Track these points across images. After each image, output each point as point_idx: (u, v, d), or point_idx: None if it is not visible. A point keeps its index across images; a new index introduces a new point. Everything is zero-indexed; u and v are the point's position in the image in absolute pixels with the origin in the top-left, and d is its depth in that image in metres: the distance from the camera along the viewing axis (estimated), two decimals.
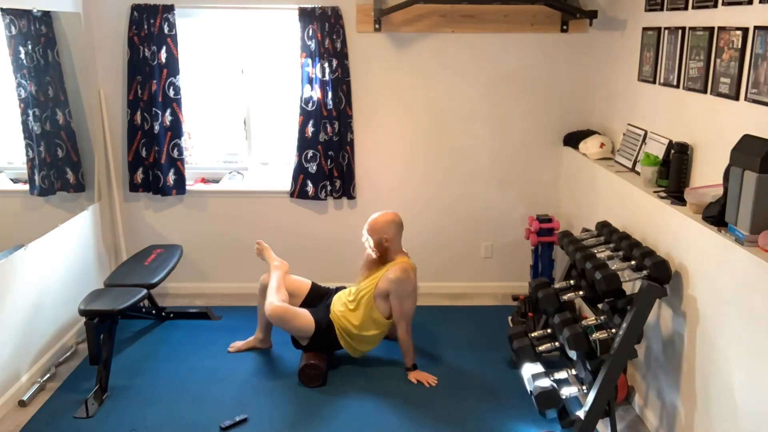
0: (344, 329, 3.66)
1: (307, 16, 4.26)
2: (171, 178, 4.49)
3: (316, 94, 4.36)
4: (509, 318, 4.33)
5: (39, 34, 3.88)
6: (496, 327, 4.23)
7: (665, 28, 3.43)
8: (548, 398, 3.05)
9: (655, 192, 3.19)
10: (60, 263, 3.91)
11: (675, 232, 2.90)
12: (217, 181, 4.74)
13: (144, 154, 4.48)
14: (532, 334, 3.34)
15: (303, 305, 3.79)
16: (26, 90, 3.85)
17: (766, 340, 2.22)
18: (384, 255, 3.69)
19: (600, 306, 3.17)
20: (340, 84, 4.37)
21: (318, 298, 3.86)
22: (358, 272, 3.83)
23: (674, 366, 2.92)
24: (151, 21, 4.25)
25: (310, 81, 4.34)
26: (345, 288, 3.89)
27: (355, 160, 4.55)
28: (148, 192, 4.58)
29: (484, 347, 3.99)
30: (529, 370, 3.21)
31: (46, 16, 3.92)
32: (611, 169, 3.77)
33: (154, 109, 4.36)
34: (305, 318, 3.61)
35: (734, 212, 2.44)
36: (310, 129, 4.42)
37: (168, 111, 4.40)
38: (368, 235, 3.70)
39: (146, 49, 4.30)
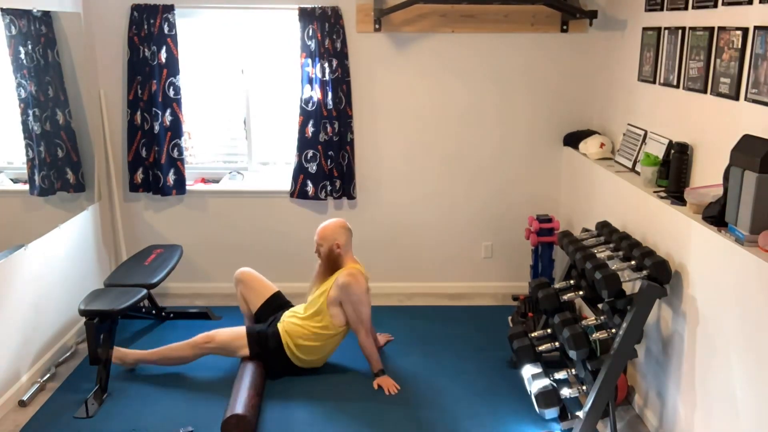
0: (290, 337, 3.58)
1: (307, 16, 4.26)
2: (171, 178, 4.49)
3: (316, 94, 4.36)
4: (509, 318, 4.33)
5: (39, 34, 3.88)
6: (496, 327, 4.23)
7: (665, 28, 3.43)
8: (548, 398, 3.06)
9: (655, 192, 3.19)
10: (60, 263, 3.91)
11: (675, 232, 2.90)
12: (217, 181, 4.74)
13: (144, 154, 4.48)
14: (532, 334, 3.34)
15: (259, 309, 3.84)
16: (26, 90, 3.85)
17: (766, 340, 2.22)
18: (335, 263, 3.60)
19: (600, 306, 3.17)
20: (340, 84, 4.37)
21: (276, 307, 3.83)
22: (309, 287, 3.72)
23: (674, 366, 2.92)
24: (151, 21, 4.25)
25: (310, 81, 4.34)
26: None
27: (355, 160, 4.55)
28: (148, 192, 4.58)
29: (484, 347, 3.99)
30: (529, 370, 3.21)
31: (46, 16, 3.92)
32: (611, 169, 3.77)
33: (154, 109, 4.36)
34: (230, 331, 3.60)
35: (734, 212, 2.44)
36: (310, 129, 4.42)
37: (168, 111, 4.40)
38: (319, 242, 3.60)
39: (146, 49, 4.30)
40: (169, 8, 4.25)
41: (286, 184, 4.63)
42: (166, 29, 4.26)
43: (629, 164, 3.74)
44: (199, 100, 4.64)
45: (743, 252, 2.34)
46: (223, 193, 4.66)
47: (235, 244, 4.71)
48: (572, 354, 2.98)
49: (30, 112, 3.88)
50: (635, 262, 3.00)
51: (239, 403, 3.12)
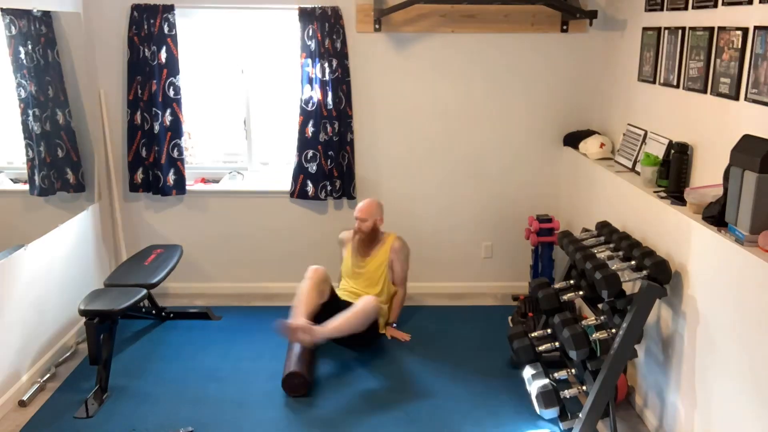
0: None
1: (307, 16, 4.26)
2: (171, 178, 4.49)
3: (316, 94, 4.36)
4: (509, 318, 4.33)
5: (39, 34, 3.88)
6: (496, 327, 4.23)
7: (665, 28, 3.43)
8: (548, 398, 3.06)
9: (655, 192, 3.19)
10: (60, 263, 3.91)
11: (675, 232, 2.90)
12: (217, 181, 4.74)
13: (144, 154, 4.48)
14: (532, 334, 3.34)
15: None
16: (26, 90, 3.85)
17: (766, 340, 2.22)
18: (375, 236, 4.14)
19: (600, 306, 3.17)
20: (340, 84, 4.37)
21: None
22: (346, 261, 4.19)
23: (674, 366, 2.92)
24: (151, 21, 4.25)
25: (310, 81, 4.35)
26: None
27: (355, 160, 4.55)
28: (148, 192, 4.58)
29: (484, 347, 3.99)
30: (529, 370, 3.21)
31: (46, 16, 3.92)
32: (611, 169, 3.77)
33: (154, 109, 4.36)
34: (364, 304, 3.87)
35: (734, 212, 2.44)
36: (310, 129, 4.42)
37: (168, 111, 4.40)
38: (363, 218, 4.08)
39: (146, 49, 4.30)
40: (169, 8, 4.25)
41: (286, 184, 4.63)
42: (166, 29, 4.26)
43: (629, 164, 3.74)
44: (199, 100, 4.64)
45: (743, 252, 2.34)
46: (223, 193, 4.66)
47: (235, 244, 4.72)
48: (572, 354, 2.98)
49: (30, 112, 3.88)
50: (635, 262, 3.00)
51: (298, 363, 3.54)
